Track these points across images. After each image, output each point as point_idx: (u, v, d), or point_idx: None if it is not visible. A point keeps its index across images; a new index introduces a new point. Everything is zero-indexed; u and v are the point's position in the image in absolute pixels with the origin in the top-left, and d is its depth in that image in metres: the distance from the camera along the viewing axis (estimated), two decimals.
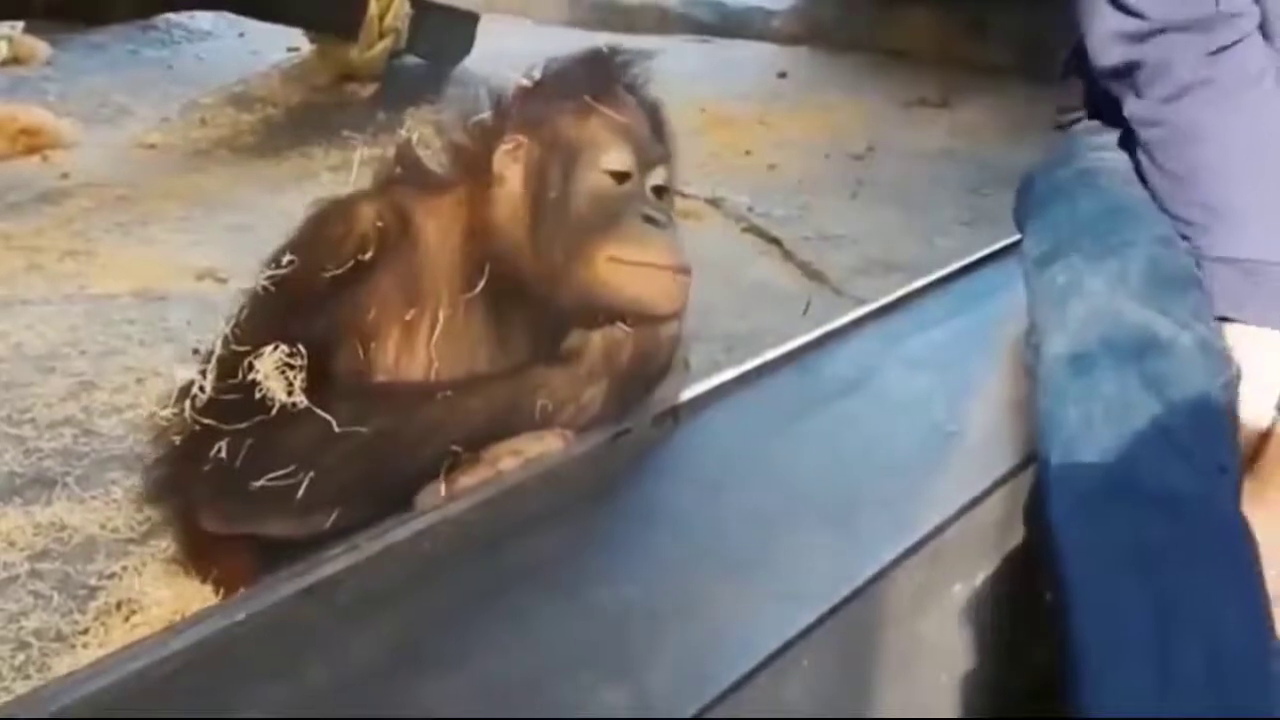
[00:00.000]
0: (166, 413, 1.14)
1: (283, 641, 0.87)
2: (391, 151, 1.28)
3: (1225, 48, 1.22)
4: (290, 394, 1.07)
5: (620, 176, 1.17)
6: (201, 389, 1.11)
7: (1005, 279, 1.50)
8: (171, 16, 4.93)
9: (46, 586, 1.49)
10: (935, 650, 1.11)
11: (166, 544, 1.42)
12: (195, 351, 2.00)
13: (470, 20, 4.47)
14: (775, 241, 3.14)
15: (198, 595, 1.20)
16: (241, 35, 5.01)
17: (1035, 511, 1.14)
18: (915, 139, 4.15)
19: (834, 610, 0.93)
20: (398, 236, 1.19)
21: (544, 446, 1.11)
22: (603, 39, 1.30)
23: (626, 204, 1.17)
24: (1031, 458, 1.17)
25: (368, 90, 4.13)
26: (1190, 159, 1.25)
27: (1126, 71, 1.28)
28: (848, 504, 1.09)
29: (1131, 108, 1.30)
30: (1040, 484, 1.13)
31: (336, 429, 1.06)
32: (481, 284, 1.18)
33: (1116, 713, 1.01)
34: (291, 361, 1.08)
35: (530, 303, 1.18)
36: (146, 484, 1.22)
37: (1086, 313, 1.17)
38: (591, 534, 1.05)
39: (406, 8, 4.15)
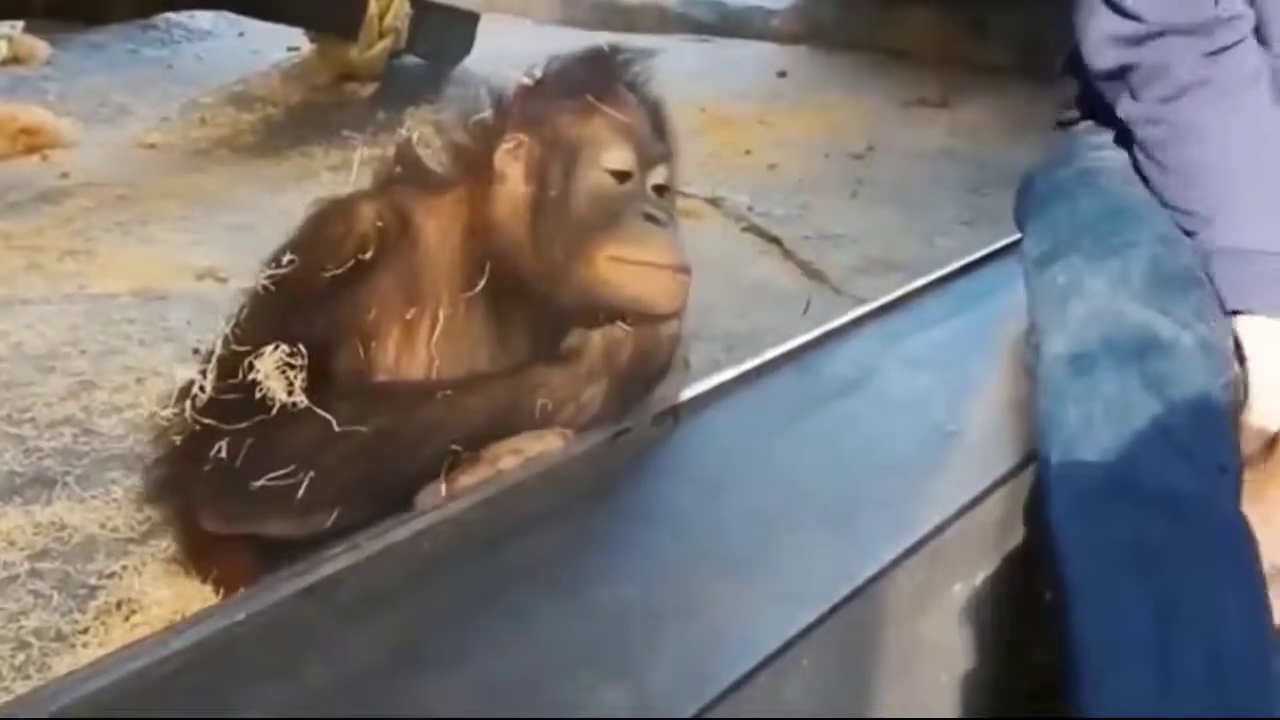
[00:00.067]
0: (166, 412, 1.15)
1: (283, 641, 0.87)
2: (391, 151, 1.28)
3: (1223, 50, 1.24)
4: (290, 394, 1.07)
5: (621, 175, 1.17)
6: (202, 389, 1.11)
7: (1005, 279, 1.50)
8: (171, 16, 4.92)
9: (46, 586, 1.49)
10: (935, 650, 1.11)
11: (166, 544, 1.42)
12: (195, 351, 2.00)
13: (470, 20, 4.47)
14: (775, 241, 3.14)
15: (198, 595, 1.20)
16: (241, 35, 5.00)
17: (1035, 511, 1.14)
18: (915, 139, 4.15)
19: (834, 610, 0.93)
20: (398, 236, 1.19)
21: (544, 446, 1.11)
22: (602, 39, 1.30)
23: (627, 203, 1.17)
24: (1031, 458, 1.17)
25: (368, 90, 4.13)
26: (1190, 157, 1.26)
27: (1122, 74, 1.29)
28: (848, 504, 1.09)
29: (1127, 109, 1.31)
30: (1040, 484, 1.13)
31: (337, 429, 1.06)
32: (482, 283, 1.18)
33: (1116, 712, 1.01)
34: (292, 361, 1.08)
35: (531, 301, 1.18)
36: (146, 484, 1.22)
37: (1087, 313, 1.17)
38: (591, 534, 1.05)
39: (406, 8, 4.15)
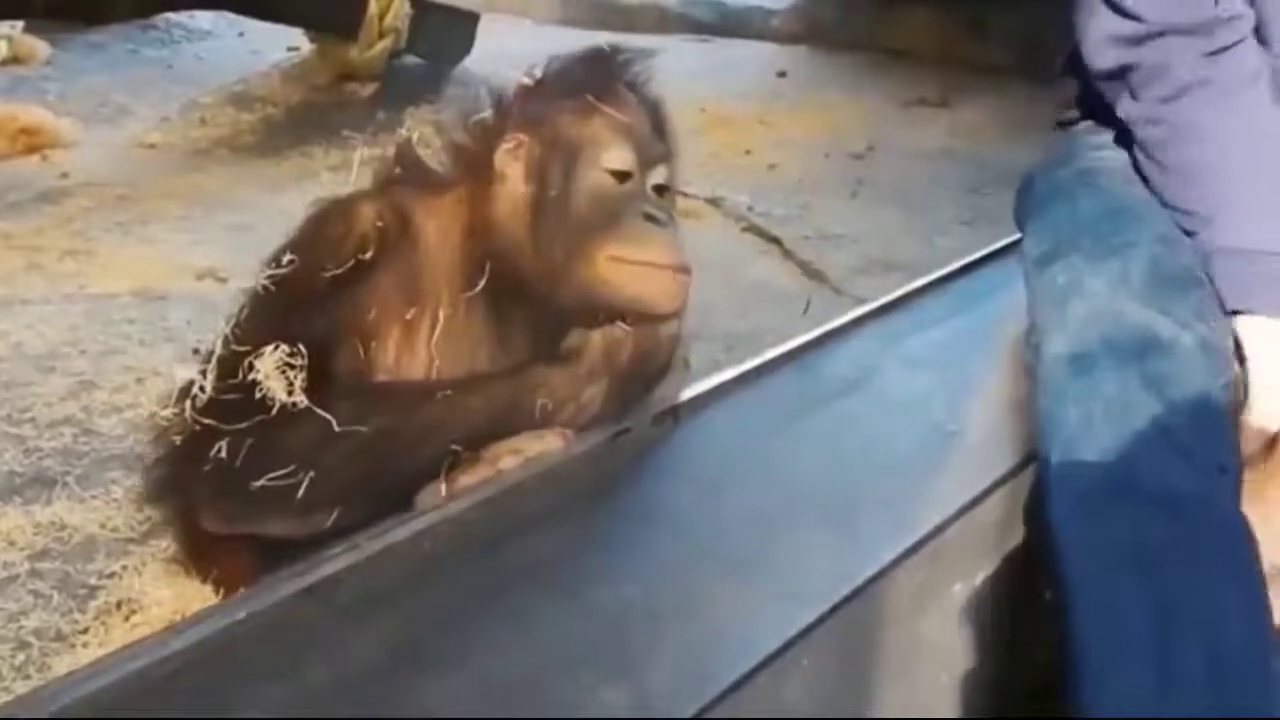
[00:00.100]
0: (166, 412, 1.15)
1: (283, 641, 0.87)
2: (391, 151, 1.28)
3: (1223, 50, 1.24)
4: (290, 394, 1.07)
5: (621, 175, 1.17)
6: (202, 389, 1.11)
7: (1005, 279, 1.50)
8: (171, 16, 4.92)
9: (46, 586, 1.49)
10: (935, 650, 1.11)
11: (166, 544, 1.42)
12: (195, 351, 2.00)
13: (470, 20, 4.47)
14: (775, 241, 3.14)
15: (198, 595, 1.20)
16: (241, 35, 5.00)
17: (1035, 511, 1.14)
18: (915, 139, 4.15)
19: (834, 610, 0.93)
20: (398, 236, 1.19)
21: (544, 446, 1.11)
22: (602, 39, 1.30)
23: (627, 203, 1.17)
24: (1031, 458, 1.17)
25: (368, 90, 4.13)
26: (1190, 157, 1.26)
27: (1122, 74, 1.30)
28: (848, 504, 1.09)
29: (1127, 109, 1.31)
30: (1040, 484, 1.13)
31: (337, 429, 1.06)
32: (482, 283, 1.18)
33: (1116, 712, 1.01)
34: (292, 361, 1.08)
35: (531, 301, 1.18)
36: (146, 484, 1.22)
37: (1087, 313, 1.17)
38: (591, 534, 1.05)
39: (406, 8, 4.15)
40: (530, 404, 1.13)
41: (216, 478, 1.07)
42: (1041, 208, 1.41)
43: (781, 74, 5.01)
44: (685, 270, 1.17)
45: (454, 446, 1.09)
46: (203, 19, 5.06)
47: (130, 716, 0.79)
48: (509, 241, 1.18)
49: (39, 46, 4.53)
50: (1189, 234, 1.24)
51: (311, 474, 1.05)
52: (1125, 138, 1.35)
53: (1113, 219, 1.27)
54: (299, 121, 3.97)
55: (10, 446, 1.82)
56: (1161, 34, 1.25)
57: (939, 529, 1.06)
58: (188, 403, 1.11)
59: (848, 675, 0.99)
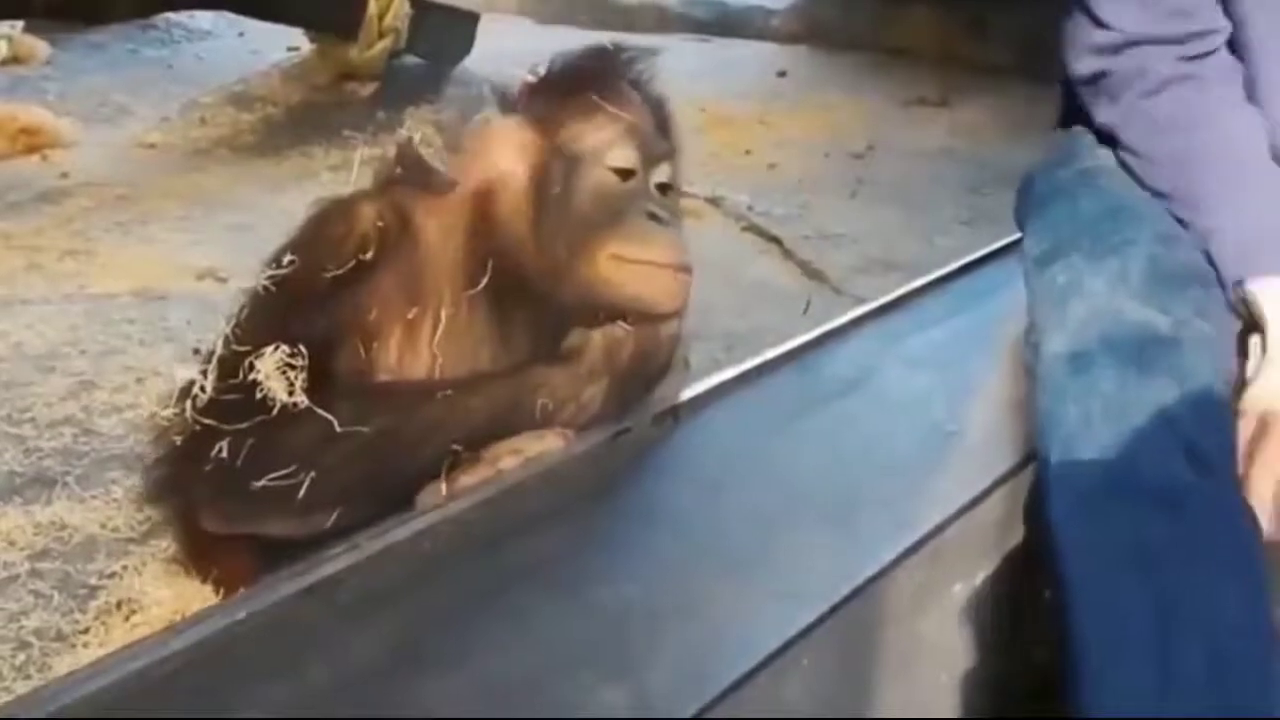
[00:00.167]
0: (167, 413, 1.14)
1: (283, 641, 0.87)
2: (392, 151, 1.28)
3: (1199, 56, 1.28)
4: (291, 394, 1.07)
5: (625, 173, 1.17)
6: (202, 389, 1.11)
7: (1005, 278, 1.50)
8: (171, 16, 4.92)
9: (46, 586, 1.49)
10: (935, 650, 1.11)
11: (166, 544, 1.42)
12: (195, 351, 2.00)
13: (470, 20, 4.46)
14: (775, 240, 3.14)
15: (198, 595, 1.20)
16: (241, 35, 5.00)
17: (1035, 510, 1.14)
18: (915, 138, 4.15)
19: (834, 610, 0.93)
20: (399, 235, 1.18)
21: (544, 445, 1.11)
22: (603, 38, 1.30)
23: (630, 201, 1.17)
24: (1031, 457, 1.17)
25: (368, 90, 4.12)
26: (1175, 144, 1.29)
27: (1101, 80, 1.33)
28: (848, 504, 1.09)
29: (1108, 114, 1.34)
30: (1040, 483, 1.13)
31: (338, 429, 1.06)
32: (484, 281, 1.18)
33: (1116, 712, 1.00)
34: (292, 361, 1.08)
35: (532, 300, 1.18)
36: (147, 484, 1.22)
37: (1087, 312, 1.17)
38: (591, 533, 1.04)
39: (406, 8, 4.14)
40: (531, 404, 1.13)
41: (217, 478, 1.07)
42: (1041, 207, 1.41)
43: (781, 74, 5.01)
44: (687, 269, 1.17)
45: (454, 446, 1.09)
46: (203, 19, 5.05)
47: (130, 716, 0.79)
48: (511, 239, 1.17)
49: (39, 46, 4.53)
50: (1183, 223, 1.25)
51: (312, 474, 1.05)
52: (1109, 142, 1.36)
53: (1112, 218, 1.27)
54: (299, 121, 3.96)
55: (10, 446, 1.81)
56: (1138, 43, 1.28)
57: (939, 529, 1.06)
58: (188, 403, 1.11)
59: (848, 675, 0.99)
